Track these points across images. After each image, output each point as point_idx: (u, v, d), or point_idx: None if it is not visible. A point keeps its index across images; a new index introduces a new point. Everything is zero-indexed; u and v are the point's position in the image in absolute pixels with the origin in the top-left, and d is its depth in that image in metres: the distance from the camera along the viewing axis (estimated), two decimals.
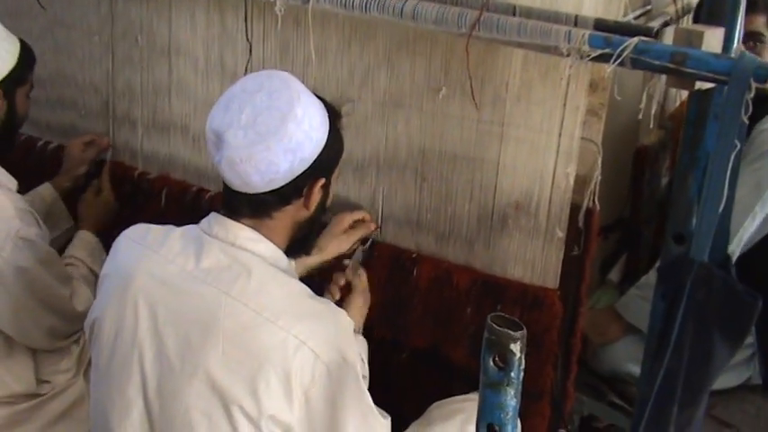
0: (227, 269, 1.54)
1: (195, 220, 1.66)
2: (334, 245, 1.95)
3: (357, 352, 1.60)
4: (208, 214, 1.64)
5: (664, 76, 1.57)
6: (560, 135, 1.76)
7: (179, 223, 1.67)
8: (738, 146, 1.39)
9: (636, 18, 2.07)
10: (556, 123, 1.76)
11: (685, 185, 1.65)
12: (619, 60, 1.52)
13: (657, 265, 2.23)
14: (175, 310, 1.53)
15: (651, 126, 2.15)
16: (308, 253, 1.81)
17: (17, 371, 2.11)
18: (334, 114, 1.63)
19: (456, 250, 1.96)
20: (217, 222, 1.60)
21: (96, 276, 2.19)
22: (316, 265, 1.92)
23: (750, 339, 2.26)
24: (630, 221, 2.68)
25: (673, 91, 2.72)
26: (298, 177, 1.55)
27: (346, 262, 1.96)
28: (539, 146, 1.80)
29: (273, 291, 1.53)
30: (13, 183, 2.12)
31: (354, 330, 1.66)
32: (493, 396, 1.15)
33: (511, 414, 1.15)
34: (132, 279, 1.58)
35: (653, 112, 1.65)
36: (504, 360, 1.12)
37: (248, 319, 1.49)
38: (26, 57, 2.12)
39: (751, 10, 2.08)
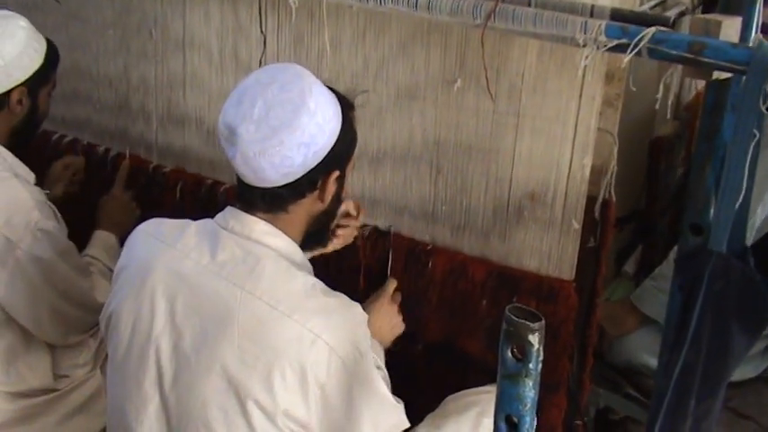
0: (242, 263, 1.54)
1: (210, 212, 1.66)
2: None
3: (370, 344, 1.60)
4: (223, 207, 1.64)
5: (680, 66, 1.56)
6: (576, 126, 1.76)
7: (194, 216, 1.67)
8: (757, 136, 1.38)
9: (652, 8, 2.05)
10: (572, 114, 1.75)
11: (702, 176, 1.63)
12: (636, 50, 1.51)
13: (673, 256, 2.23)
14: (192, 305, 1.53)
15: (668, 117, 2.13)
16: (324, 246, 1.81)
17: (35, 365, 2.12)
18: (347, 106, 1.62)
19: (471, 242, 1.96)
20: (232, 216, 1.59)
21: (112, 272, 2.20)
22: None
23: (767, 331, 2.24)
24: (645, 213, 2.67)
25: (688, 81, 2.71)
26: (312, 170, 1.54)
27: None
28: (554, 137, 1.79)
29: (288, 285, 1.53)
30: (31, 176, 2.13)
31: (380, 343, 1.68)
32: (511, 387, 1.14)
33: (529, 406, 1.14)
34: (149, 273, 1.58)
35: (669, 102, 1.64)
36: (523, 351, 1.12)
37: (263, 314, 1.49)
38: (52, 55, 2.13)
39: None
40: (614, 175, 1.79)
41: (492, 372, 1.88)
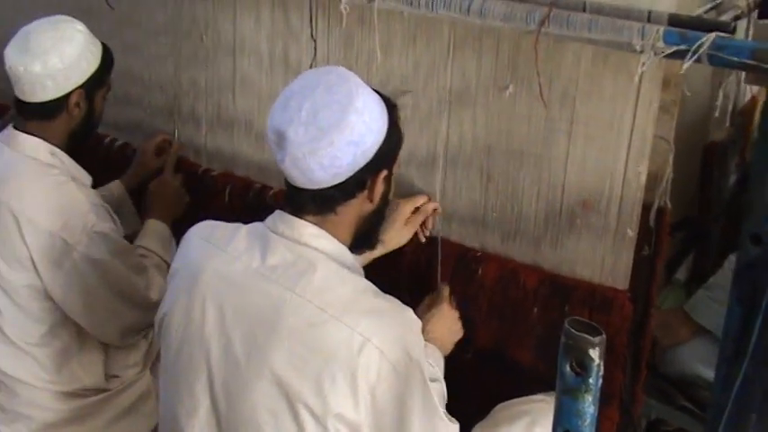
0: (291, 266, 1.54)
1: (258, 216, 1.66)
2: (395, 236, 1.95)
3: (423, 350, 1.58)
4: (271, 210, 1.64)
5: (736, 71, 1.52)
6: (632, 132, 1.73)
7: (242, 219, 1.67)
8: None
9: (706, 12, 2.02)
10: (627, 121, 1.73)
11: (763, 184, 1.59)
12: (695, 57, 1.48)
13: (728, 264, 2.19)
14: (242, 308, 1.54)
15: (726, 123, 2.09)
16: (372, 248, 1.80)
17: (88, 365, 2.15)
18: (391, 105, 1.62)
19: (522, 249, 1.94)
20: (281, 220, 1.59)
21: (167, 264, 2.22)
22: (376, 255, 1.91)
23: None
24: (698, 219, 2.63)
25: (743, 85, 2.66)
26: (360, 170, 1.54)
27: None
28: (609, 143, 1.76)
29: (338, 288, 1.53)
30: (87, 179, 2.17)
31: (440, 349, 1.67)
32: (570, 403, 1.12)
33: (588, 421, 1.12)
34: (200, 276, 1.58)
35: (729, 108, 1.61)
36: (582, 366, 1.09)
37: (313, 317, 1.48)
38: (107, 59, 2.16)
39: None
40: (670, 183, 1.76)
41: (542, 380, 1.87)
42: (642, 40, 1.56)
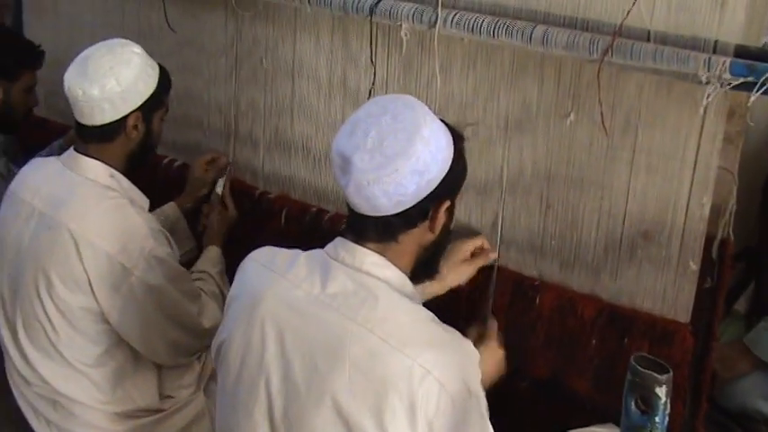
0: (353, 295, 1.53)
1: (314, 239, 1.66)
2: (454, 274, 1.94)
3: (480, 383, 1.57)
4: (327, 234, 1.64)
5: None
6: (695, 163, 1.71)
7: (298, 243, 1.68)
8: None
9: None
10: (691, 152, 1.71)
11: None
12: (764, 89, 1.46)
13: None
14: (302, 335, 1.53)
15: None
16: (431, 278, 1.79)
17: (142, 386, 2.16)
18: (457, 136, 1.61)
19: (581, 279, 1.92)
20: (342, 247, 1.59)
21: (223, 292, 2.23)
22: (434, 293, 1.90)
23: None
24: (758, 249, 2.58)
25: None
26: (424, 199, 1.53)
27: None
28: (672, 174, 1.74)
29: (400, 318, 1.52)
30: (145, 202, 2.18)
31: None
32: None
33: None
34: (260, 303, 1.58)
35: None
36: (648, 403, 1.08)
37: (375, 346, 1.48)
38: (164, 80, 2.18)
39: None
40: (733, 215, 1.73)
41: (599, 411, 1.85)
42: (708, 71, 1.55)
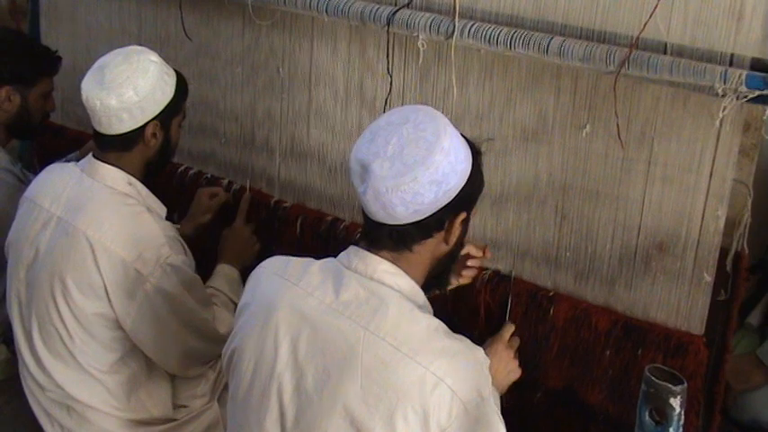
0: (365, 303, 1.54)
1: (330, 248, 1.67)
2: (453, 278, 1.94)
3: (492, 389, 1.57)
4: (342, 243, 1.65)
5: None
6: (711, 176, 1.71)
7: (313, 251, 1.68)
8: None
9: None
10: (706, 164, 1.72)
11: None
12: None
13: None
14: (315, 344, 1.54)
15: None
16: (442, 289, 1.80)
17: (156, 395, 2.16)
18: (475, 150, 1.62)
19: (595, 290, 1.93)
20: (356, 256, 1.60)
21: (235, 304, 2.24)
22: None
23: None
24: None
25: None
26: (441, 210, 1.54)
27: None
28: (687, 186, 1.75)
29: (412, 326, 1.52)
30: (162, 210, 2.18)
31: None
32: None
33: None
34: (273, 311, 1.59)
35: None
36: (663, 414, 1.08)
37: (387, 355, 1.48)
38: (181, 87, 2.18)
39: None
40: (748, 228, 1.74)
41: (613, 422, 1.85)
42: (724, 83, 1.55)
